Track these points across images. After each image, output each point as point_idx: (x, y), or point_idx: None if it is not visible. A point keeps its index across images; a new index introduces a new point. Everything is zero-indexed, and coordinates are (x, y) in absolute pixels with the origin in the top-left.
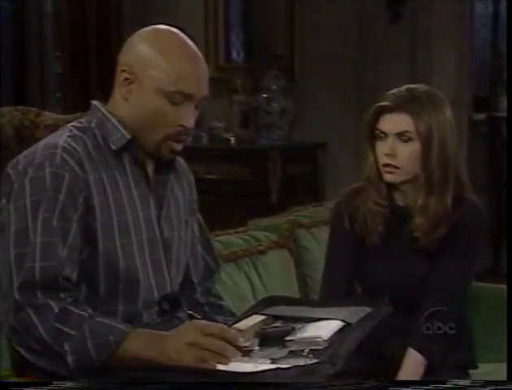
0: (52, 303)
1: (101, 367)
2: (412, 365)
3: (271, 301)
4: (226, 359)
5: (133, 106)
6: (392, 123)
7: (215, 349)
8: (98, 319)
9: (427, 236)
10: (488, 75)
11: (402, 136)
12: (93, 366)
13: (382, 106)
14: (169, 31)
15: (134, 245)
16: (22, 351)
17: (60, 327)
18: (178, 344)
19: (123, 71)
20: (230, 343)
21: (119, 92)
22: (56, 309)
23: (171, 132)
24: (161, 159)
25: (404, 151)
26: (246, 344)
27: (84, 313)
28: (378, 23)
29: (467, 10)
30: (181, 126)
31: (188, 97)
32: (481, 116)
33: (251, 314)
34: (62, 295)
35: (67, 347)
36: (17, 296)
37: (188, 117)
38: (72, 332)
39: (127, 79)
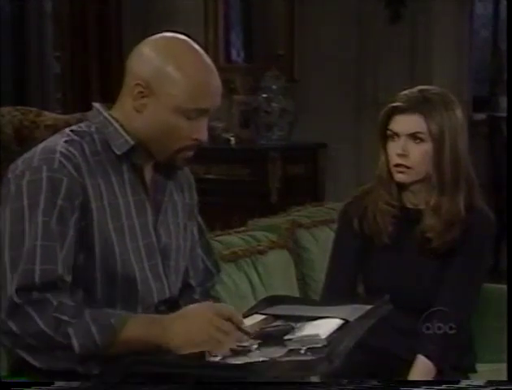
0: (50, 296)
1: (105, 354)
2: (422, 371)
3: (272, 300)
4: (232, 342)
5: (147, 119)
6: (404, 123)
7: (226, 330)
8: (97, 309)
9: (440, 237)
10: (488, 75)
11: (414, 137)
12: (98, 352)
13: (394, 106)
14: (182, 41)
15: (130, 251)
16: (21, 352)
17: (60, 316)
18: (188, 321)
19: (138, 84)
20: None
21: (130, 103)
22: (55, 302)
23: (185, 145)
24: (172, 165)
25: (416, 151)
26: (245, 344)
27: (81, 306)
28: (378, 23)
29: (467, 10)
30: (195, 140)
31: (203, 112)
32: (481, 116)
33: (252, 314)
34: (58, 293)
35: (71, 332)
36: (15, 299)
37: (202, 131)
38: (73, 320)
39: (141, 92)
